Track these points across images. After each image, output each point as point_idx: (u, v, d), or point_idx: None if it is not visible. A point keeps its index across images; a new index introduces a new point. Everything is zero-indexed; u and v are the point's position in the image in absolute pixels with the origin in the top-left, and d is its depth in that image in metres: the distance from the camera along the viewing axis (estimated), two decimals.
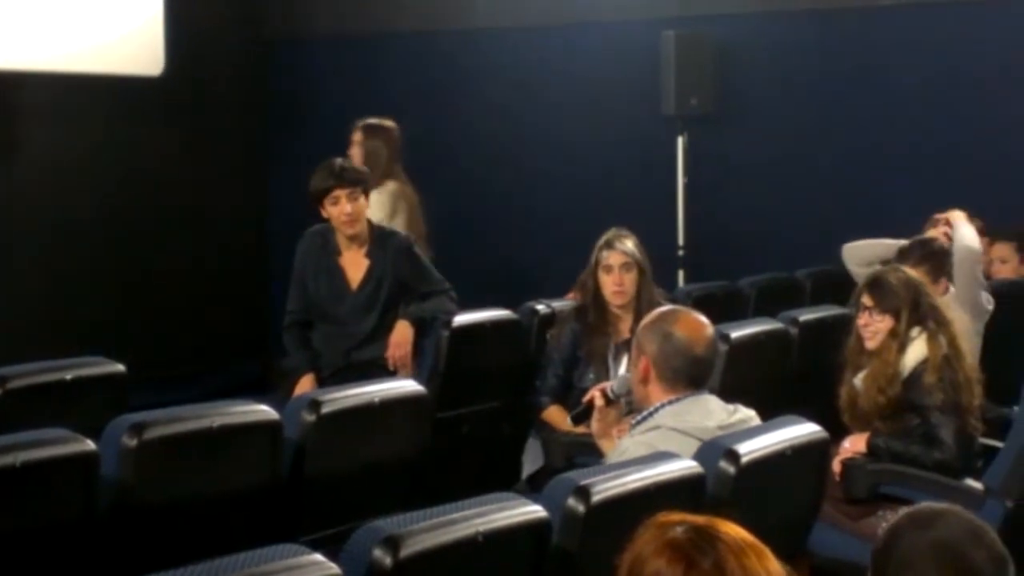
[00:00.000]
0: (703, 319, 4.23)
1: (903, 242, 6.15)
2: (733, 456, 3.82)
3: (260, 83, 10.58)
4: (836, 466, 5.03)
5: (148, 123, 9.73)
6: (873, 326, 5.20)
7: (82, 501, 3.91)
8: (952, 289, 5.97)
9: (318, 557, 2.86)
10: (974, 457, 5.21)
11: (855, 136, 8.64)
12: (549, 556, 3.40)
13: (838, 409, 5.29)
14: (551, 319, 6.15)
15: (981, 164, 8.15)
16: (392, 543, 3.00)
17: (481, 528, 3.16)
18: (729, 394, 4.38)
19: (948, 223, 6.26)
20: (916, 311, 5.18)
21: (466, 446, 6.01)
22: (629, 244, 5.78)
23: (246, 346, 10.13)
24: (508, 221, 9.74)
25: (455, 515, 3.18)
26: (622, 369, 5.53)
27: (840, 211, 8.37)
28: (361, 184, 6.11)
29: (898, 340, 5.15)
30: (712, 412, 4.13)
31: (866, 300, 5.23)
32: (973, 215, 6.46)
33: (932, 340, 5.15)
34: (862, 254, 6.49)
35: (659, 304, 5.40)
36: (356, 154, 7.30)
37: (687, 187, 8.81)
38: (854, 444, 5.15)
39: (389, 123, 7.42)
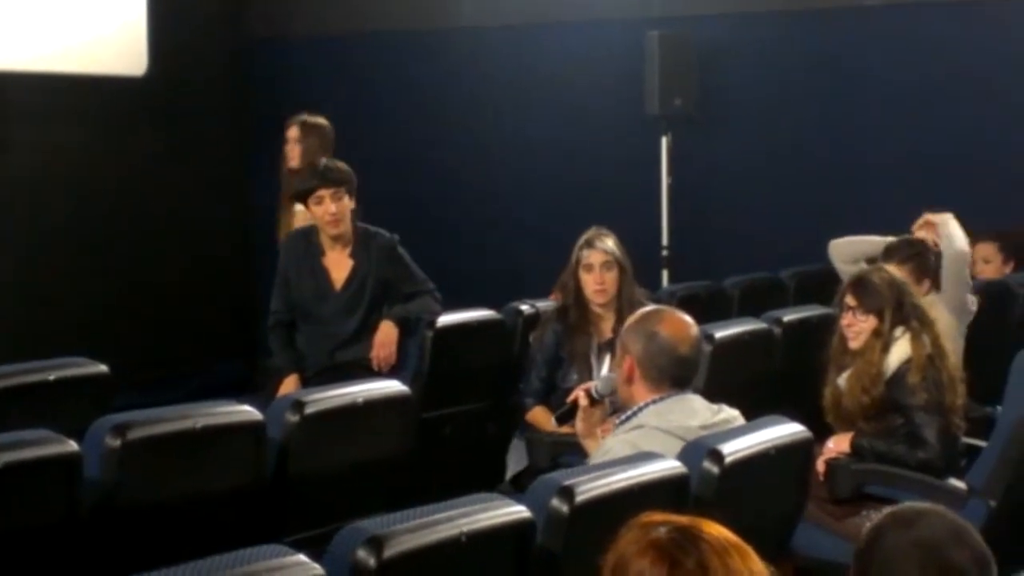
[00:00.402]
0: (687, 319, 4.24)
1: (889, 239, 6.17)
2: (717, 456, 3.83)
3: (243, 83, 10.57)
4: (820, 466, 5.04)
5: (131, 123, 9.72)
6: (857, 326, 5.21)
7: (65, 502, 3.90)
8: (934, 289, 5.98)
9: (302, 558, 2.86)
10: (957, 456, 5.22)
11: (840, 136, 8.66)
12: (533, 556, 3.40)
13: (822, 409, 5.29)
14: (535, 319, 6.15)
15: (965, 165, 8.18)
16: (376, 543, 3.01)
17: (465, 528, 3.17)
18: (713, 394, 4.38)
19: (934, 227, 6.24)
20: (900, 311, 5.19)
21: (450, 446, 6.00)
22: (609, 243, 5.78)
23: (232, 347, 10.12)
24: (491, 221, 9.74)
25: (439, 515, 3.19)
26: (605, 368, 5.54)
27: (824, 211, 8.37)
28: (345, 184, 6.09)
29: (882, 340, 5.16)
30: (696, 412, 4.14)
31: (850, 300, 5.24)
32: (956, 216, 6.46)
33: (916, 340, 5.16)
34: (848, 251, 6.50)
35: (640, 303, 5.42)
36: (294, 151, 7.27)
37: (671, 187, 8.81)
38: (838, 444, 5.16)
39: (324, 121, 7.37)
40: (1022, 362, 4.84)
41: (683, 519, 2.28)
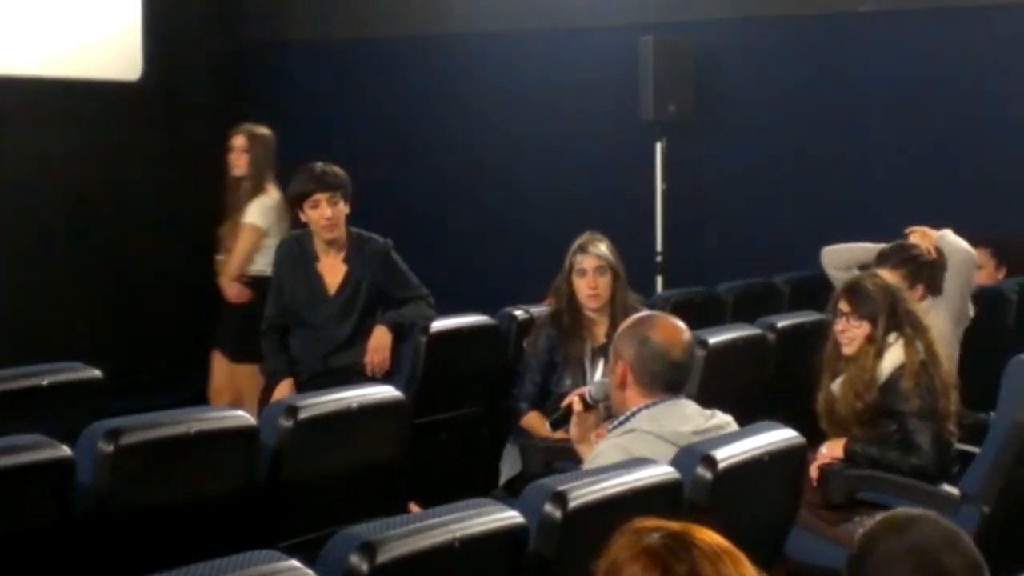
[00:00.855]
0: (680, 324, 4.24)
1: (882, 246, 6.16)
2: (710, 462, 3.82)
3: (237, 87, 10.55)
4: (813, 472, 5.04)
5: (125, 127, 9.70)
6: (850, 332, 5.22)
7: (58, 507, 3.89)
8: (928, 295, 5.97)
9: (294, 563, 2.85)
10: (950, 463, 5.22)
11: (833, 142, 8.66)
12: (526, 562, 3.39)
13: (815, 415, 5.30)
14: (529, 325, 6.15)
15: (957, 170, 8.19)
16: (369, 549, 3.00)
17: (458, 534, 3.16)
18: (707, 400, 4.38)
19: (928, 235, 6.23)
20: (893, 317, 5.19)
21: (444, 451, 6.00)
22: (603, 247, 5.78)
23: None
24: (486, 227, 9.74)
25: (432, 521, 3.18)
26: (598, 373, 5.54)
27: (818, 217, 8.38)
28: (341, 188, 6.09)
29: (875, 346, 5.17)
30: (689, 417, 4.13)
31: (843, 306, 5.25)
32: (948, 223, 6.46)
33: (909, 346, 5.16)
34: (841, 258, 6.50)
35: (634, 308, 5.43)
36: (240, 160, 7.33)
37: (665, 193, 8.81)
38: (831, 450, 5.16)
39: (267, 130, 7.47)
40: (1015, 368, 4.85)
41: (675, 525, 2.27)
